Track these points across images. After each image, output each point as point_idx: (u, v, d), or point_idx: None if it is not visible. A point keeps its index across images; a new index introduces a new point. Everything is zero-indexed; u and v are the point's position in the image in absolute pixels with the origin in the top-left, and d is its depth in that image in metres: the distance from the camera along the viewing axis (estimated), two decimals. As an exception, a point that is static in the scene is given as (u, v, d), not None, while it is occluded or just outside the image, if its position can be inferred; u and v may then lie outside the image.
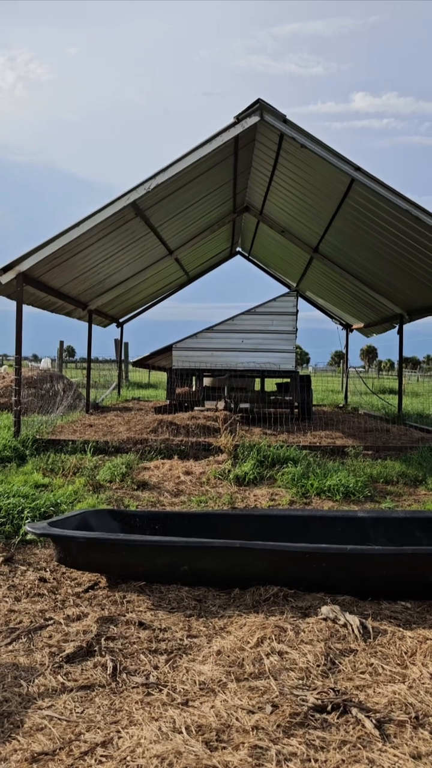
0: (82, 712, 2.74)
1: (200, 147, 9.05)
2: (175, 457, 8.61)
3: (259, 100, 8.97)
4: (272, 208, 14.13)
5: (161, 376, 26.06)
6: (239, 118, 9.02)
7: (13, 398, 9.39)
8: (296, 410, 13.00)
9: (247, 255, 20.24)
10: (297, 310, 12.34)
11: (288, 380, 13.43)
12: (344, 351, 20.61)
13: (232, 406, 11.85)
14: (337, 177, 9.69)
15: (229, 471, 7.79)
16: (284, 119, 8.95)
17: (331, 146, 8.92)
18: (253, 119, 9.02)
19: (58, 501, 6.30)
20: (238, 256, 20.37)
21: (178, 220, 12.91)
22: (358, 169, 8.95)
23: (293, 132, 8.98)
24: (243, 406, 12.20)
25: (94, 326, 14.61)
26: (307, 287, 18.80)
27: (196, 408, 12.35)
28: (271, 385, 15.69)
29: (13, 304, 9.50)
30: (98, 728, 2.60)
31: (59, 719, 2.67)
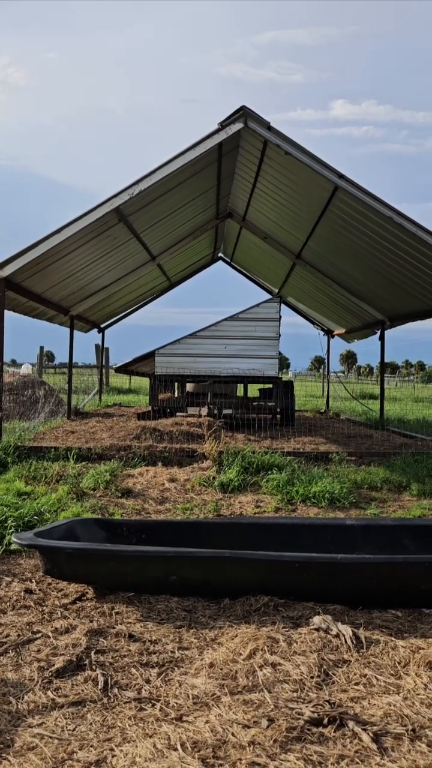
0: (74, 730, 2.68)
1: (184, 153, 9.04)
2: (159, 464, 8.55)
3: (243, 107, 8.98)
4: (255, 215, 14.17)
5: (142, 382, 25.95)
6: (223, 125, 9.02)
7: (-6, 405, 9.25)
8: (279, 416, 13.01)
9: (229, 261, 20.28)
10: (280, 317, 12.37)
11: (270, 386, 13.45)
12: (325, 356, 20.71)
13: (216, 412, 11.83)
14: (320, 184, 9.74)
15: (214, 478, 7.75)
16: (268, 126, 8.97)
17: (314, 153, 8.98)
18: (237, 126, 9.02)
19: (42, 510, 6.22)
20: (220, 262, 20.40)
21: (161, 225, 12.88)
22: (341, 176, 9.00)
23: (277, 139, 9.01)
24: (226, 412, 12.17)
25: (74, 331, 14.50)
26: (288, 293, 18.87)
27: (178, 414, 12.30)
28: (253, 390, 15.69)
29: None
30: (91, 746, 2.54)
31: (51, 737, 2.61)
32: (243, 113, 8.97)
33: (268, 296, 18.35)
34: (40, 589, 4.38)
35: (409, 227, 8.93)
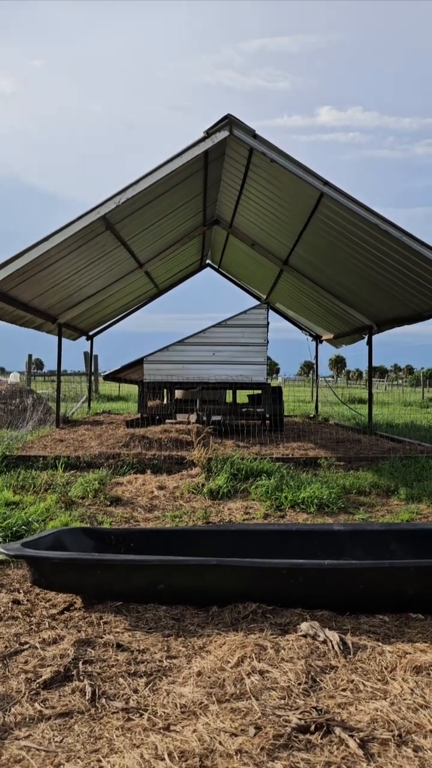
0: (61, 741, 2.67)
1: (170, 161, 9.08)
2: (148, 471, 8.55)
3: (228, 116, 9.04)
4: (242, 221, 14.23)
5: (131, 389, 25.92)
6: (209, 133, 9.07)
7: (-18, 414, 9.21)
8: (268, 422, 13.03)
9: (217, 267, 20.33)
10: (268, 323, 12.40)
11: (260, 392, 13.47)
12: (314, 362, 20.78)
13: (204, 418, 11.83)
14: (306, 191, 9.80)
15: (203, 485, 7.75)
16: (254, 134, 9.02)
17: (299, 161, 9.04)
18: (223, 134, 9.08)
19: (30, 519, 6.19)
20: (208, 269, 20.44)
21: (149, 233, 12.91)
22: (327, 183, 9.07)
23: (263, 147, 9.07)
24: (215, 418, 12.18)
25: (63, 339, 14.47)
26: (277, 299, 18.94)
27: (167, 421, 12.29)
28: (242, 397, 15.71)
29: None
30: (78, 758, 2.54)
31: (38, 750, 2.59)
32: (228, 121, 9.03)
33: (256, 302, 18.41)
34: (27, 600, 4.36)
35: (394, 233, 9.01)
